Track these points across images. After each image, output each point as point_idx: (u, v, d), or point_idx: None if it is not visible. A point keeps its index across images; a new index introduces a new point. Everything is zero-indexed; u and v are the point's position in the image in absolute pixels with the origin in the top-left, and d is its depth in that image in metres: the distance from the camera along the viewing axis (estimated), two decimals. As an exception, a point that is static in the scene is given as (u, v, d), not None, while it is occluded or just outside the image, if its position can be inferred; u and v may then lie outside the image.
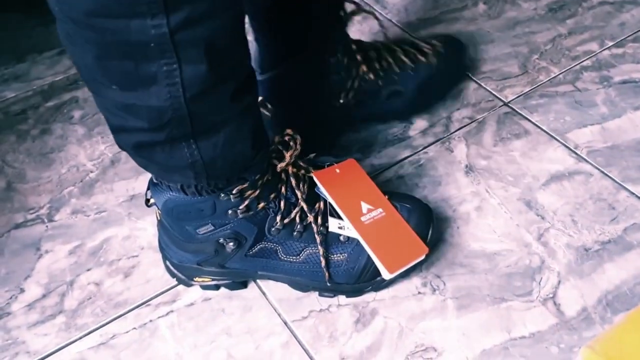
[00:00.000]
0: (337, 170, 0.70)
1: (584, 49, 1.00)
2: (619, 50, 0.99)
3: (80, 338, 0.69)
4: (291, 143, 0.65)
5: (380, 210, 0.69)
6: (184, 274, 0.71)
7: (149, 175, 0.83)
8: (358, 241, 0.67)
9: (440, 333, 0.68)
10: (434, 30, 1.06)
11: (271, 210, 0.66)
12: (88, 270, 0.75)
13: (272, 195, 0.65)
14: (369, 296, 0.71)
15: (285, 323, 0.69)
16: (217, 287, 0.72)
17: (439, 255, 0.74)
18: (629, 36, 1.01)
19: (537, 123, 0.89)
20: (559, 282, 0.71)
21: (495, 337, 0.67)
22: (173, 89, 0.50)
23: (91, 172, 0.86)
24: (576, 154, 0.85)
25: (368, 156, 0.86)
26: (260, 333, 0.69)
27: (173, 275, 0.72)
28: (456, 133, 0.88)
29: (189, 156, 0.56)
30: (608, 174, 0.82)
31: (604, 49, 1.00)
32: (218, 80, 0.52)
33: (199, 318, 0.70)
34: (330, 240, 0.68)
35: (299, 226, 0.67)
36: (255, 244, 0.67)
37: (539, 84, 0.95)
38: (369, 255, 0.67)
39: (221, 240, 0.66)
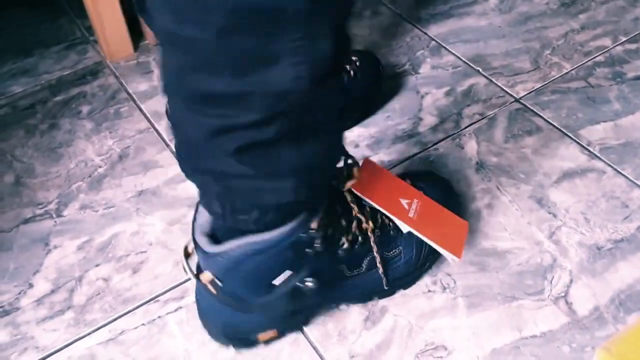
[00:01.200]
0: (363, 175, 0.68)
1: (596, 44, 0.99)
2: (633, 46, 0.98)
3: (89, 334, 0.69)
4: (355, 170, 0.63)
5: (415, 200, 0.68)
6: (245, 335, 0.65)
7: (157, 170, 0.83)
8: (402, 231, 0.66)
9: (451, 332, 0.67)
10: (444, 25, 1.05)
11: (337, 232, 0.62)
12: (97, 265, 0.75)
13: (333, 218, 0.61)
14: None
15: (294, 320, 0.69)
16: (283, 335, 0.67)
17: (450, 252, 0.74)
18: (642, 31, 1.00)
19: (549, 119, 0.88)
20: (571, 280, 0.71)
21: (506, 336, 0.66)
22: (299, 68, 0.43)
23: (99, 167, 0.86)
24: (589, 151, 0.84)
25: (377, 152, 0.85)
26: (269, 330, 0.68)
27: (229, 342, 0.66)
28: (467, 129, 0.87)
29: (295, 158, 0.50)
30: (621, 171, 0.81)
31: (617, 45, 0.99)
32: (335, 63, 0.46)
33: (207, 315, 0.70)
34: (383, 240, 0.66)
35: (360, 238, 0.64)
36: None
37: (550, 79, 0.94)
38: (417, 239, 0.67)
39: (298, 284, 0.60)
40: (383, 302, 0.70)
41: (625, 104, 0.89)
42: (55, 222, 0.79)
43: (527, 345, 0.66)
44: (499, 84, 0.94)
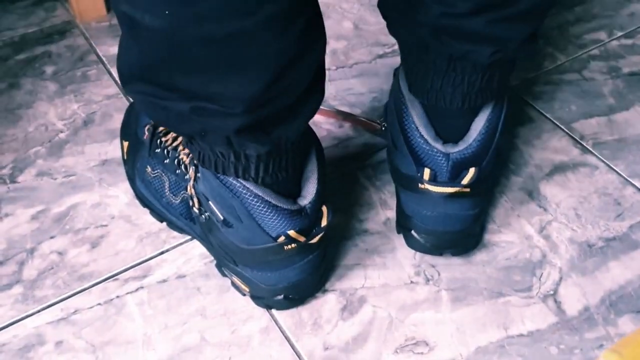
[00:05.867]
0: None
1: (591, 37, 0.96)
2: (628, 41, 0.95)
3: (38, 311, 0.62)
4: None
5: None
6: None
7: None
8: None
9: (433, 326, 0.63)
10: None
11: None
12: (51, 237, 0.68)
13: None
14: (357, 282, 0.66)
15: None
16: None
17: (434, 243, 0.69)
18: (639, 27, 0.97)
19: (541, 110, 0.84)
20: (561, 278, 0.67)
21: (492, 333, 0.62)
22: None
23: (61, 132, 0.79)
24: (581, 144, 0.80)
25: (363, 134, 0.80)
26: (237, 316, 0.63)
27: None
28: (456, 115, 0.83)
29: None
30: (614, 167, 0.77)
31: (613, 39, 0.95)
32: None
33: (171, 296, 0.64)
34: None
35: None
36: None
37: (544, 70, 0.90)
38: None
39: None
40: (362, 291, 0.65)
41: (620, 99, 0.86)
42: (8, 188, 0.72)
43: (513, 344, 0.62)
44: (490, 71, 0.90)
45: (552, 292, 0.66)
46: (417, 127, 0.60)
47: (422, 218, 0.64)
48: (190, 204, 0.61)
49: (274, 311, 0.63)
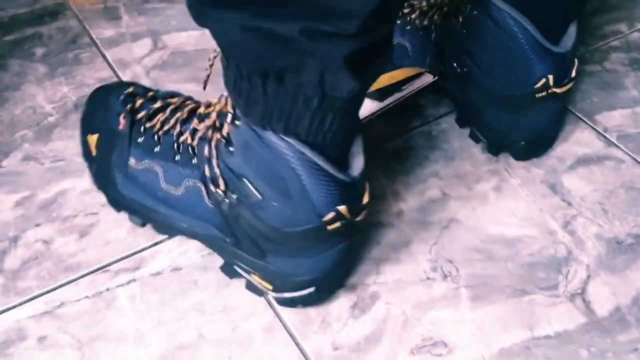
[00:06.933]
0: None
1: (611, 29, 0.91)
2: (650, 33, 0.91)
3: (21, 304, 0.57)
4: None
5: None
6: None
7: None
8: None
9: (452, 326, 0.57)
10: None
11: None
12: (37, 225, 0.63)
13: None
14: (369, 278, 0.60)
15: (269, 303, 0.58)
16: None
17: (452, 237, 0.64)
18: (661, 19, 0.93)
19: (561, 102, 0.80)
20: (589, 276, 0.62)
21: (516, 334, 0.57)
22: None
23: (50, 115, 0.74)
24: (605, 137, 0.75)
25: (375, 123, 0.75)
26: (238, 312, 0.57)
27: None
28: (472, 105, 0.78)
29: None
30: (641, 161, 0.73)
31: (634, 31, 0.91)
32: None
33: (165, 290, 0.59)
34: None
35: None
36: None
37: (563, 61, 0.86)
38: None
39: None
40: (374, 287, 0.60)
41: (644, 92, 0.82)
42: (-9, 172, 0.67)
43: (540, 346, 0.56)
44: (507, 61, 0.85)
45: (580, 291, 0.60)
46: (535, 37, 0.62)
47: (535, 124, 0.68)
48: (207, 190, 0.54)
49: (278, 308, 0.58)
